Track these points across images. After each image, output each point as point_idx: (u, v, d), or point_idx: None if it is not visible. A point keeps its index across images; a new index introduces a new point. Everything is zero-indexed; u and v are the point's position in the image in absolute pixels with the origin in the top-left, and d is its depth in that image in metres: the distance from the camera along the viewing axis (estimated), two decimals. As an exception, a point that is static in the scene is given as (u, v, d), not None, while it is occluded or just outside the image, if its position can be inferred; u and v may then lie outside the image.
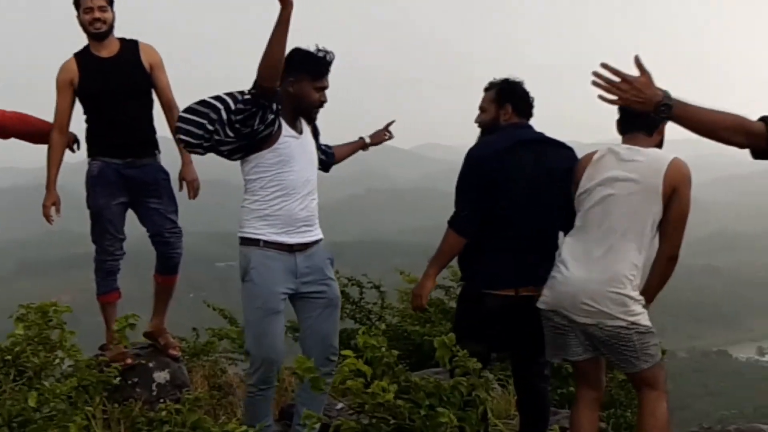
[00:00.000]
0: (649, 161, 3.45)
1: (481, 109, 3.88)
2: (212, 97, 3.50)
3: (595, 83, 2.69)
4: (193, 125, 3.49)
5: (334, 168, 4.12)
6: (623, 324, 3.35)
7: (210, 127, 3.47)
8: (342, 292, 6.21)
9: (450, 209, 3.72)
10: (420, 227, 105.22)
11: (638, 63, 2.66)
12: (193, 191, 4.48)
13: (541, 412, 3.92)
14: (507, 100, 3.78)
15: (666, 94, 2.66)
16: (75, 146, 4.59)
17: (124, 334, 4.19)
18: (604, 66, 2.66)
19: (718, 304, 75.48)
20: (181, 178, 4.47)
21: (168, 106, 4.41)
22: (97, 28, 4.24)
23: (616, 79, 2.66)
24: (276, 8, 3.19)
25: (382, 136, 4.45)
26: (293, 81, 3.52)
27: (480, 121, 3.88)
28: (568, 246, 3.58)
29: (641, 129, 3.57)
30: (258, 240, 3.55)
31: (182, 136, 3.55)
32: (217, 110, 3.46)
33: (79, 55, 4.33)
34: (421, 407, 2.70)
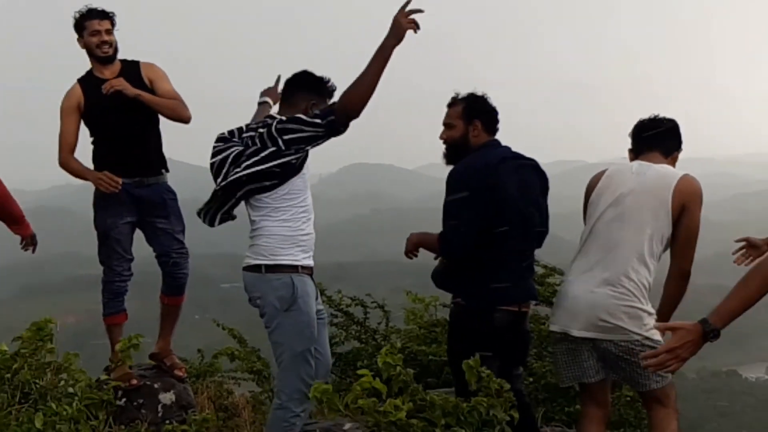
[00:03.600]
0: (659, 175, 3.45)
1: (447, 125, 3.75)
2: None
3: (655, 370, 2.78)
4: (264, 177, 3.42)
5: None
6: (638, 338, 3.33)
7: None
8: (346, 312, 6.21)
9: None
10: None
11: (664, 327, 2.65)
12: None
13: (526, 409, 3.82)
14: (475, 116, 3.69)
15: (703, 323, 2.53)
16: (31, 249, 4.67)
17: (128, 354, 4.19)
18: (645, 357, 2.62)
19: (726, 323, 75.18)
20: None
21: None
22: (105, 51, 4.30)
23: (662, 356, 2.56)
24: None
25: (276, 93, 4.05)
26: (315, 104, 3.52)
27: (447, 138, 3.75)
28: (577, 263, 3.57)
29: (657, 148, 3.58)
30: (297, 266, 3.48)
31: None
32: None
33: (82, 80, 4.38)
34: (437, 426, 2.68)
